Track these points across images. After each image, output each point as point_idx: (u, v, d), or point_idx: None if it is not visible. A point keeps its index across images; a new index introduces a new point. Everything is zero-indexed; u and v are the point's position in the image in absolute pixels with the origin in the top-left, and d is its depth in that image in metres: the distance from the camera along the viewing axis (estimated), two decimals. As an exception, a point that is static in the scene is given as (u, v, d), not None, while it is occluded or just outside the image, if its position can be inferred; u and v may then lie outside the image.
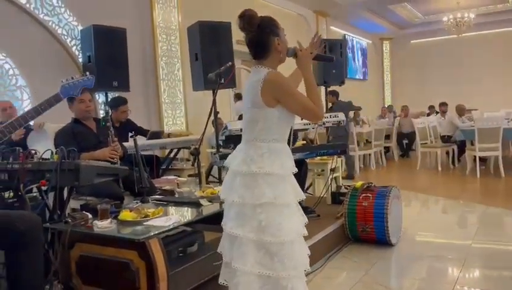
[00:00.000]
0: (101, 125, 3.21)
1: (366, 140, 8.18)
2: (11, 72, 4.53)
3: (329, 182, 4.24)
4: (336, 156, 4.24)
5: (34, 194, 2.75)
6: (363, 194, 3.52)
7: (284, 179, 1.70)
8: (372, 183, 3.69)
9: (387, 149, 9.28)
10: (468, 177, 6.72)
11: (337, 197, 4.31)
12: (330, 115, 3.88)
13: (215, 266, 2.32)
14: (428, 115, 10.13)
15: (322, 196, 4.16)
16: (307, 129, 4.68)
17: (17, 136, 3.61)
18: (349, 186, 3.95)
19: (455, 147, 7.72)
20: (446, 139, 7.89)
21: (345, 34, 11.53)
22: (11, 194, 2.49)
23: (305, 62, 1.76)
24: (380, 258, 3.29)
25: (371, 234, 3.47)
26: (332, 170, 4.27)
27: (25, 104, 4.55)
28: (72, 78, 2.16)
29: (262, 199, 1.64)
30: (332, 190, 4.45)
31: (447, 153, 7.93)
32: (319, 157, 4.28)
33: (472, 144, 6.91)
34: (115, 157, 3.04)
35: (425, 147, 7.85)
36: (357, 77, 12.43)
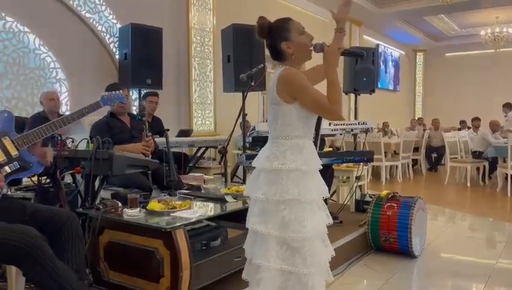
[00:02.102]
0: (137, 119, 3.33)
1: (394, 151, 8.08)
2: (52, 65, 4.74)
3: (354, 189, 4.23)
4: (362, 164, 4.22)
5: (68, 181, 2.89)
6: (388, 204, 3.50)
7: (307, 176, 1.69)
8: (397, 193, 3.66)
9: (415, 162, 9.12)
10: (499, 195, 6.53)
11: (361, 205, 4.28)
12: (359, 122, 3.87)
13: (237, 262, 2.38)
14: (459, 130, 9.91)
15: (345, 203, 4.15)
16: (333, 135, 4.68)
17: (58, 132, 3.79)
18: (373, 195, 3.92)
19: (486, 164, 7.52)
20: (477, 155, 7.69)
21: (378, 44, 11.44)
22: (47, 179, 2.63)
23: (331, 58, 1.71)
24: (401, 268, 3.25)
25: (393, 244, 3.44)
26: (358, 178, 4.26)
27: (63, 96, 4.74)
28: (108, 92, 2.50)
29: (286, 195, 1.65)
30: (357, 197, 4.43)
31: (478, 169, 7.73)
32: (345, 165, 4.28)
33: (504, 161, 6.73)
34: (146, 153, 3.14)
35: (455, 162, 7.68)
36: (389, 87, 12.29)
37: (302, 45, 1.73)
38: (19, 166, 1.85)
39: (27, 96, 4.53)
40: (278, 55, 1.77)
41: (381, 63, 11.67)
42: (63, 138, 2.50)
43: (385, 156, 7.59)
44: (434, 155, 9.52)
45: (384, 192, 3.64)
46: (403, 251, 3.42)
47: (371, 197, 4.12)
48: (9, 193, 2.55)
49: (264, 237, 1.69)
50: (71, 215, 1.99)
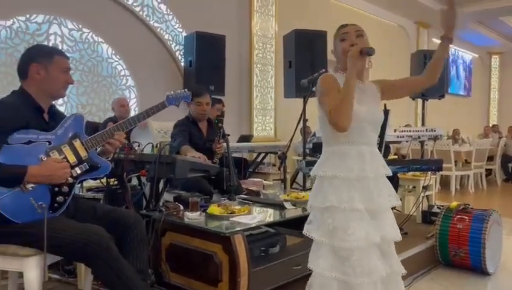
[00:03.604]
0: (215, 122, 3.40)
1: (465, 160, 7.60)
2: (122, 72, 5.01)
3: (421, 199, 4.01)
4: (429, 173, 4.00)
5: (134, 183, 3.01)
6: (458, 216, 3.27)
7: (351, 183, 1.62)
8: (469, 204, 3.42)
9: (489, 172, 8.51)
10: None
11: (428, 217, 4.06)
12: (426, 129, 3.67)
13: (295, 270, 2.34)
14: (540, 138, 9.11)
15: (411, 213, 3.95)
16: (399, 142, 4.48)
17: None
18: (442, 206, 3.70)
19: None
20: (562, 165, 7.02)
21: (448, 47, 10.85)
22: (116, 181, 2.76)
23: (349, 60, 1.64)
24: (472, 286, 3.03)
25: (464, 259, 3.21)
26: (425, 188, 4.04)
27: (132, 102, 4.99)
28: (174, 91, 2.48)
29: (325, 202, 1.63)
30: (423, 208, 4.20)
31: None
32: (410, 173, 4.07)
33: None
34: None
35: (536, 173, 7.05)
36: (460, 92, 11.61)
37: (340, 52, 1.74)
38: (88, 167, 1.94)
39: (100, 102, 4.82)
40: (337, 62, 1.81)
41: (452, 67, 11.05)
42: (131, 142, 2.61)
43: (455, 165, 7.16)
44: (511, 165, 8.83)
45: (454, 203, 3.42)
46: (474, 267, 3.18)
47: (439, 208, 3.90)
48: (80, 193, 2.71)
49: (316, 243, 1.69)
50: (137, 217, 2.06)
